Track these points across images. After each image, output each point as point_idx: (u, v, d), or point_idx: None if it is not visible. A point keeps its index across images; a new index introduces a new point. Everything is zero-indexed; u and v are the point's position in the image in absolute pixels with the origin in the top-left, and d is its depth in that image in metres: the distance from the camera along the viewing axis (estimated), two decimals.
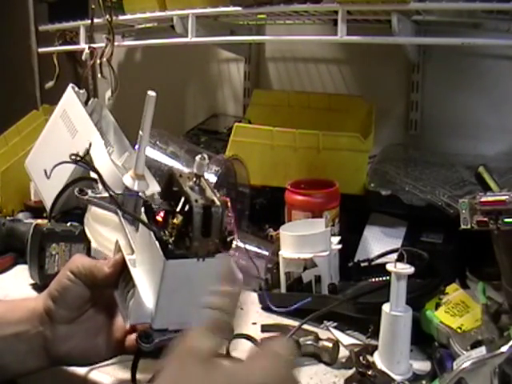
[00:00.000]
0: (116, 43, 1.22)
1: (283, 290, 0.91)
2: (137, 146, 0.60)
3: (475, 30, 1.08)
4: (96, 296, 0.62)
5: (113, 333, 0.63)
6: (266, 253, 0.98)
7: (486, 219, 0.68)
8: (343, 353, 0.75)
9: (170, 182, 0.58)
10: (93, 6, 1.26)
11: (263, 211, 1.13)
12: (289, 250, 0.89)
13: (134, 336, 0.60)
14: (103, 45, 1.22)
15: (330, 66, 1.37)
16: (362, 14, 1.03)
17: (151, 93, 0.57)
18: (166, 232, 0.54)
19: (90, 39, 1.30)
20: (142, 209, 0.58)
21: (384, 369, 0.69)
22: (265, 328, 0.81)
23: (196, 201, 0.52)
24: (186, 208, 0.53)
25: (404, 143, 1.26)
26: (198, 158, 0.55)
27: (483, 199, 0.68)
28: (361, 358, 0.69)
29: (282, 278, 0.91)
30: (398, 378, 0.67)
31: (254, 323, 0.85)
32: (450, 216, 0.91)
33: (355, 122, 1.20)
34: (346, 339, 0.78)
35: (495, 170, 0.79)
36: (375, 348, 0.72)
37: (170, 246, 0.52)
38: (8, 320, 0.60)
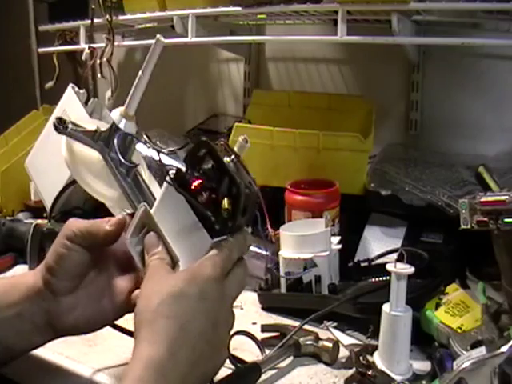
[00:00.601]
0: (116, 43, 1.22)
1: (283, 290, 0.91)
2: (134, 86, 0.58)
3: (475, 29, 1.08)
4: (95, 258, 0.60)
5: (116, 293, 0.61)
6: (266, 253, 0.98)
7: (486, 219, 0.68)
8: (343, 353, 0.75)
9: (199, 148, 0.55)
10: (93, 6, 1.26)
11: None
12: (289, 250, 0.89)
13: (137, 292, 0.59)
14: (103, 45, 1.22)
15: (330, 66, 1.37)
16: (362, 14, 1.03)
17: (161, 37, 0.55)
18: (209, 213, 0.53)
19: (90, 39, 1.30)
20: (171, 174, 0.56)
21: (384, 369, 0.69)
22: (265, 328, 0.81)
23: (244, 185, 0.52)
24: (234, 191, 0.52)
25: (404, 143, 1.26)
26: (240, 138, 0.55)
27: (483, 199, 0.68)
28: (361, 358, 0.69)
29: (282, 278, 0.91)
30: (397, 377, 0.67)
31: (254, 323, 0.85)
32: (450, 216, 0.91)
33: (355, 122, 1.20)
34: (346, 339, 0.78)
35: (495, 170, 0.79)
36: (375, 348, 0.72)
37: (216, 226, 0.53)
38: (8, 301, 0.59)
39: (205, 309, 0.50)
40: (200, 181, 0.54)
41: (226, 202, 0.52)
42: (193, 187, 0.54)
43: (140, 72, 0.58)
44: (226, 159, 0.53)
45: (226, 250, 0.53)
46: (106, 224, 0.59)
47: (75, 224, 0.60)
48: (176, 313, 0.49)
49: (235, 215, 0.52)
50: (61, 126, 0.57)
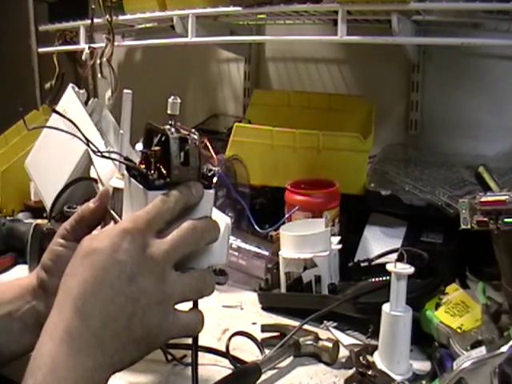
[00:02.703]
0: (116, 43, 1.22)
1: (283, 290, 0.91)
2: (121, 146, 0.60)
3: (475, 29, 1.08)
4: None
5: None
6: (266, 253, 0.98)
7: (485, 219, 0.68)
8: (343, 353, 0.75)
9: (148, 135, 0.56)
10: (93, 6, 1.26)
11: (263, 211, 1.13)
12: (289, 250, 0.89)
13: None
14: (103, 45, 1.22)
15: (330, 66, 1.37)
16: (362, 14, 1.03)
17: (127, 91, 0.57)
18: (145, 169, 0.53)
19: (90, 39, 1.30)
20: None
21: (384, 369, 0.69)
22: (265, 328, 0.81)
23: (172, 133, 0.52)
24: (163, 139, 0.53)
25: (404, 143, 1.26)
26: (170, 99, 0.54)
27: (483, 199, 0.68)
28: (361, 358, 0.69)
29: (281, 278, 0.91)
30: (397, 377, 0.67)
31: (254, 323, 0.85)
32: (450, 216, 0.91)
33: (355, 122, 1.20)
34: (346, 339, 0.78)
35: (495, 170, 0.79)
36: (375, 348, 0.72)
37: (150, 177, 0.51)
38: (1, 300, 0.59)
39: (117, 260, 0.47)
40: (143, 153, 0.54)
41: (154, 152, 0.52)
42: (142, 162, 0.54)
43: (120, 130, 0.59)
44: (166, 126, 0.53)
45: (155, 202, 0.50)
46: (90, 203, 0.59)
47: (67, 221, 0.60)
48: (85, 269, 0.47)
49: (167, 162, 0.51)
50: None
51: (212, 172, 0.54)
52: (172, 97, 0.54)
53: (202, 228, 0.51)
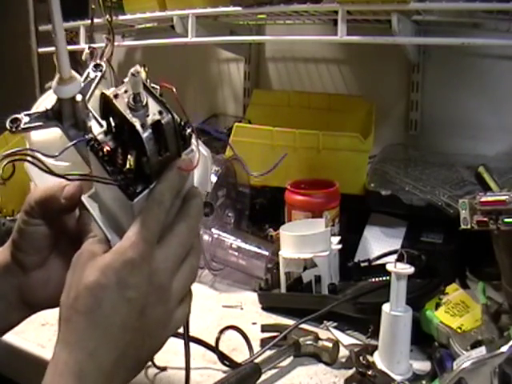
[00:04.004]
0: (116, 43, 1.22)
1: (283, 290, 0.91)
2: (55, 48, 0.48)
3: (475, 29, 1.08)
4: (61, 227, 0.57)
5: None
6: (266, 253, 0.98)
7: (485, 219, 0.68)
8: (343, 353, 0.75)
9: (106, 109, 0.47)
10: (93, 6, 1.26)
11: (263, 211, 1.13)
12: (289, 250, 0.89)
13: None
14: (103, 45, 1.22)
15: (330, 66, 1.37)
16: (362, 14, 1.03)
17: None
18: (120, 174, 0.45)
19: (90, 39, 1.30)
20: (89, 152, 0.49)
21: (384, 369, 0.69)
22: (265, 328, 0.81)
23: (143, 125, 0.43)
24: (132, 136, 0.44)
25: (404, 143, 1.26)
26: (129, 72, 0.46)
27: (483, 199, 0.68)
28: (361, 358, 0.69)
29: (281, 278, 0.91)
30: (397, 377, 0.67)
31: (254, 323, 0.85)
32: (450, 216, 0.91)
33: (355, 122, 1.20)
34: (346, 339, 0.78)
35: (495, 170, 0.78)
36: (375, 348, 0.72)
37: (130, 188, 0.45)
38: None
39: (126, 298, 0.45)
40: (109, 145, 0.46)
41: (130, 157, 0.44)
42: (105, 152, 0.46)
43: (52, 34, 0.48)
44: (128, 104, 0.44)
45: (151, 208, 0.46)
46: (61, 198, 0.54)
47: (34, 195, 0.57)
48: (91, 307, 0.45)
49: (143, 161, 0.44)
50: (15, 125, 0.51)
51: (189, 128, 0.46)
52: (132, 69, 0.46)
53: (195, 224, 0.49)
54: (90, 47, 1.27)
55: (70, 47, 1.45)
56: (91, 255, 0.47)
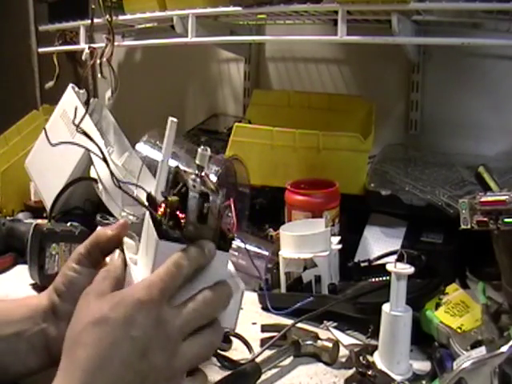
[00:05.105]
0: (116, 43, 1.22)
1: (283, 290, 0.91)
2: (157, 173, 0.57)
3: (475, 29, 1.08)
4: None
5: None
6: (266, 253, 0.98)
7: (485, 219, 0.68)
8: (343, 353, 0.75)
9: (175, 179, 0.55)
10: (93, 6, 1.26)
11: (263, 211, 1.13)
12: (289, 250, 0.89)
13: None
14: (103, 45, 1.22)
15: (330, 66, 1.37)
16: (362, 13, 1.03)
17: (173, 119, 0.55)
18: (163, 217, 0.52)
19: (90, 39, 1.30)
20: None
21: (384, 369, 0.69)
22: (265, 328, 0.81)
23: (194, 186, 0.50)
24: (183, 190, 0.51)
25: (404, 143, 1.26)
26: (200, 149, 0.53)
27: (483, 199, 0.68)
28: (361, 358, 0.69)
29: (281, 278, 0.91)
30: (397, 377, 0.67)
31: (254, 323, 0.85)
32: (450, 216, 0.91)
33: (355, 122, 1.20)
34: (346, 339, 0.78)
35: (495, 170, 0.78)
36: (375, 348, 0.72)
37: (163, 225, 0.50)
38: (9, 319, 0.58)
39: (130, 335, 0.46)
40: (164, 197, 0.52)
41: (171, 199, 0.50)
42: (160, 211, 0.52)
43: (161, 157, 0.58)
44: (191, 176, 0.52)
45: (169, 266, 0.48)
46: (108, 229, 0.58)
47: (81, 246, 0.60)
48: (94, 340, 0.45)
49: (184, 217, 0.50)
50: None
51: (231, 235, 0.53)
52: (202, 147, 0.53)
53: (216, 300, 0.51)
54: (90, 47, 1.28)
55: (70, 47, 1.45)
56: (100, 292, 0.49)
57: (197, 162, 0.53)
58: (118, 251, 0.55)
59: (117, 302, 0.47)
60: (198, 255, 0.50)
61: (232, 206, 0.54)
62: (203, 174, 0.53)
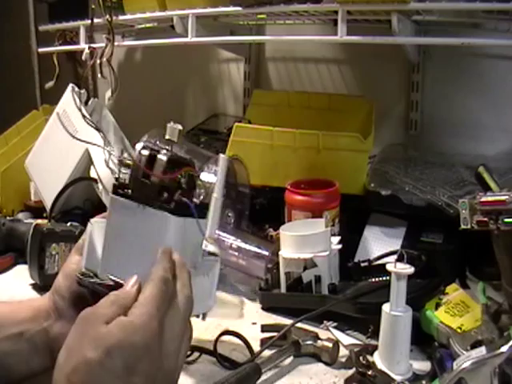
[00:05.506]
0: (116, 43, 1.22)
1: (283, 290, 0.91)
2: (211, 209, 0.58)
3: (475, 29, 1.08)
4: None
5: None
6: (266, 253, 0.98)
7: (485, 219, 0.68)
8: (343, 353, 0.75)
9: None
10: (93, 6, 1.26)
11: (263, 211, 1.13)
12: (289, 250, 0.89)
13: None
14: (103, 45, 1.22)
15: (330, 66, 1.37)
16: (362, 13, 1.03)
17: (223, 156, 0.58)
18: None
19: (90, 39, 1.30)
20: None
21: (384, 369, 0.69)
22: (265, 328, 0.81)
23: (145, 147, 0.54)
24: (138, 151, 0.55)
25: (404, 143, 1.26)
26: (170, 123, 0.57)
27: (483, 199, 0.68)
28: (361, 358, 0.69)
29: (281, 278, 0.91)
30: (397, 377, 0.67)
31: (254, 323, 0.85)
32: (450, 216, 0.91)
33: (355, 122, 1.20)
34: (346, 339, 0.78)
35: (495, 170, 0.78)
36: (375, 348, 0.72)
37: (116, 182, 0.53)
38: (12, 320, 0.59)
39: (131, 383, 0.43)
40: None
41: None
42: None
43: (214, 194, 0.62)
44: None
45: (159, 286, 0.47)
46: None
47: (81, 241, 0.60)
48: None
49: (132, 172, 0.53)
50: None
51: (182, 199, 0.53)
52: (171, 123, 0.57)
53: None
54: (90, 47, 1.28)
55: (70, 47, 1.45)
56: (102, 320, 0.45)
57: (167, 136, 0.57)
58: (135, 278, 0.50)
59: (113, 346, 0.43)
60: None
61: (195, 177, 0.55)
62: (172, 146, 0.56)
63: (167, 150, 0.55)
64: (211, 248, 0.63)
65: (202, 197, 0.56)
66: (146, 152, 0.54)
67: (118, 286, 0.51)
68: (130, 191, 0.54)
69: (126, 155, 0.56)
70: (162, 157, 0.54)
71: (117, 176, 0.54)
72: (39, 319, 0.59)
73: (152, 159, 0.54)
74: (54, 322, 0.59)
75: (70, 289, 0.58)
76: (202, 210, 0.56)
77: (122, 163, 0.55)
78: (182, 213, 0.53)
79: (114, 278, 0.53)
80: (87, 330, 0.45)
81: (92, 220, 0.59)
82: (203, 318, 0.62)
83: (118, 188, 0.54)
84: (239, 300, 0.94)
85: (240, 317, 0.89)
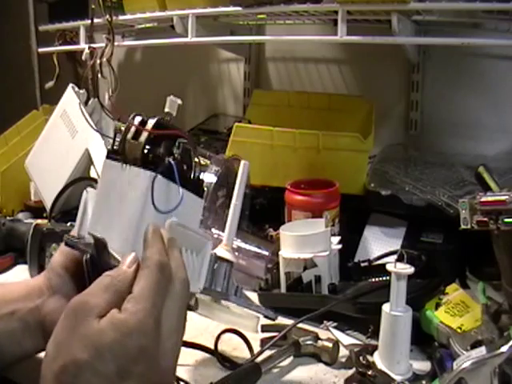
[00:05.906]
0: (116, 43, 1.22)
1: (283, 290, 0.91)
2: (230, 217, 0.59)
3: (475, 29, 1.08)
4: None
5: None
6: (266, 253, 0.98)
7: (485, 219, 0.68)
8: (343, 353, 0.75)
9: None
10: (93, 6, 1.26)
11: (263, 211, 1.13)
12: (289, 250, 0.89)
13: None
14: (103, 45, 1.22)
15: (330, 66, 1.37)
16: (362, 14, 1.03)
17: (245, 162, 0.58)
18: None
19: (90, 39, 1.30)
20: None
21: (384, 369, 0.69)
22: (265, 328, 0.81)
23: (139, 115, 0.54)
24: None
25: (404, 143, 1.26)
26: (169, 97, 0.58)
27: (483, 199, 0.68)
28: (361, 358, 0.69)
29: (281, 278, 0.91)
30: (398, 377, 0.67)
31: None
32: (450, 216, 0.90)
33: (355, 121, 1.20)
34: (346, 339, 0.78)
35: (495, 170, 0.78)
36: (375, 348, 0.72)
37: (109, 147, 0.54)
38: (6, 299, 0.58)
39: None
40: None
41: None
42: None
43: (233, 200, 0.62)
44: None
45: (155, 273, 0.44)
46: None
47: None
48: None
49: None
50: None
51: (168, 161, 0.53)
52: (172, 96, 0.57)
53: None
54: (90, 47, 1.28)
55: (70, 47, 1.45)
56: (94, 312, 0.42)
57: (166, 109, 0.57)
58: (133, 255, 0.47)
59: (104, 347, 0.40)
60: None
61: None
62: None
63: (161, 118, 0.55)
64: (227, 255, 0.62)
65: (198, 174, 0.56)
66: (138, 118, 0.54)
67: (100, 243, 0.51)
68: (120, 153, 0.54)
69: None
70: (152, 120, 0.54)
71: (112, 144, 0.55)
72: (32, 297, 0.58)
73: (143, 124, 0.54)
74: (48, 299, 0.58)
75: (65, 264, 0.58)
76: (195, 186, 0.55)
77: (118, 130, 0.55)
78: (166, 175, 0.52)
79: (96, 235, 0.52)
80: (77, 323, 0.42)
81: (88, 188, 0.59)
82: (195, 307, 0.60)
83: (111, 153, 0.55)
84: None
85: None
